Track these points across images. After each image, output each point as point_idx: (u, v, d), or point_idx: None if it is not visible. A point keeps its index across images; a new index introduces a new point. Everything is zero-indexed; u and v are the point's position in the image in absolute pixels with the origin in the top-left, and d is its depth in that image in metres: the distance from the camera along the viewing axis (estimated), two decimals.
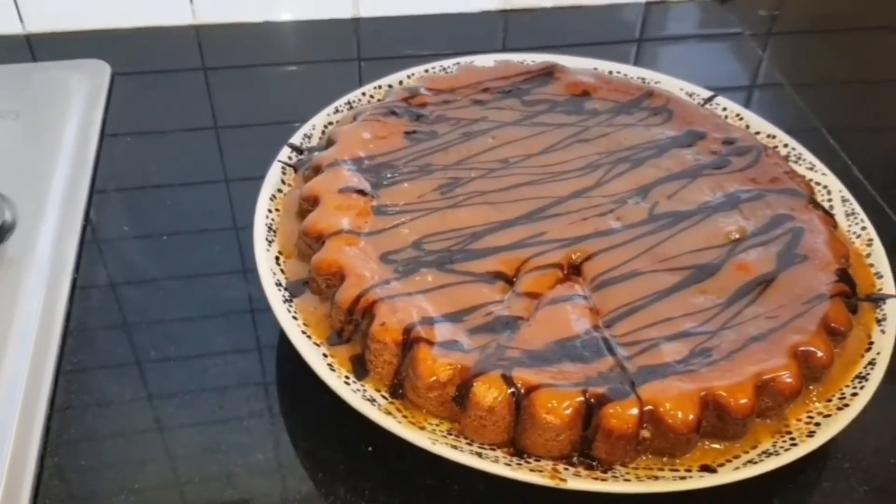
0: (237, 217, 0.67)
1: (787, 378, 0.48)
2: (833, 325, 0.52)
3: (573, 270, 0.55)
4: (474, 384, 0.47)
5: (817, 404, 0.51)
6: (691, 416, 0.46)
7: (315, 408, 0.53)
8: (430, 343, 0.48)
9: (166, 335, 0.58)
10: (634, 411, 0.46)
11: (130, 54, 0.82)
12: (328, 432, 0.52)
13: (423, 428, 0.48)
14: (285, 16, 0.87)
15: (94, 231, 0.65)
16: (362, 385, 0.49)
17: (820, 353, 0.50)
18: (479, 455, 0.46)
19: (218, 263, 0.63)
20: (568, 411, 0.46)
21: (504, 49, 0.87)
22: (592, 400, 0.46)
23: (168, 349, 0.57)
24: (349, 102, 0.68)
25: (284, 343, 0.56)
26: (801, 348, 0.50)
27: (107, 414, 0.54)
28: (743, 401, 0.47)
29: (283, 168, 0.62)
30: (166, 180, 0.70)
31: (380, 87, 0.70)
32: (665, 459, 0.47)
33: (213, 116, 0.78)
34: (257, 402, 0.54)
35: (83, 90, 0.76)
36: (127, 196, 0.69)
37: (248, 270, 0.62)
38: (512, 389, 0.46)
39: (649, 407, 0.46)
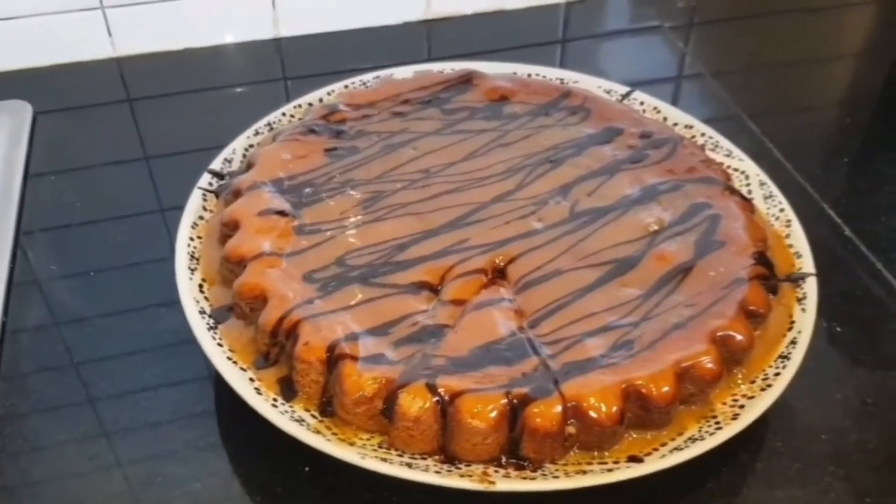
0: (174, 246, 0.67)
1: (708, 363, 0.49)
2: (752, 307, 0.53)
3: (498, 274, 0.56)
4: (399, 396, 0.47)
5: (742, 387, 0.52)
6: (614, 409, 0.47)
7: (250, 433, 0.53)
8: (355, 358, 0.49)
9: (98, 373, 0.58)
10: (558, 408, 0.46)
11: (52, 92, 0.81)
12: (264, 456, 0.52)
13: (353, 444, 0.48)
14: (206, 42, 0.87)
15: (21, 273, 0.64)
16: (291, 406, 0.49)
17: (739, 337, 0.51)
18: (409, 466, 0.47)
19: (149, 296, 0.63)
20: (493, 414, 0.46)
21: (430, 58, 0.88)
22: (516, 401, 0.47)
23: (100, 387, 0.57)
24: (269, 123, 0.68)
25: (217, 371, 0.56)
26: (720, 333, 0.50)
27: (42, 457, 0.53)
28: (664, 389, 0.48)
29: (205, 195, 0.62)
30: (93, 216, 0.70)
31: (300, 105, 0.70)
32: (595, 454, 0.48)
33: (142, 147, 0.78)
34: (192, 431, 0.54)
35: (4, 132, 0.75)
36: (53, 235, 0.68)
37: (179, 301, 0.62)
38: (436, 398, 0.47)
39: (572, 403, 0.47)
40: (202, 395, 0.56)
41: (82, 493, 0.52)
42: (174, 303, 0.61)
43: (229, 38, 0.87)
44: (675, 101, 0.84)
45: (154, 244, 0.67)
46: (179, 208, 0.62)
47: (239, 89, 0.85)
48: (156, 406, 0.55)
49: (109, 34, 0.84)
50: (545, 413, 0.46)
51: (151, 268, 0.65)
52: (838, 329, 0.61)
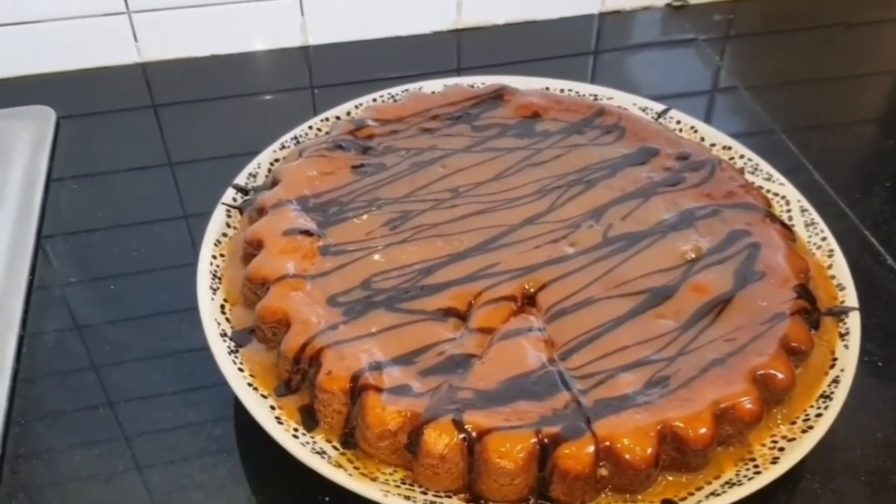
0: (197, 257, 0.65)
1: (747, 404, 0.47)
2: (793, 344, 0.50)
3: (527, 301, 0.54)
4: (425, 431, 0.45)
5: (781, 427, 0.49)
6: (649, 451, 0.45)
7: (270, 458, 0.51)
8: (379, 390, 0.47)
9: (114, 389, 0.56)
10: (590, 450, 0.44)
11: (76, 97, 0.81)
12: (284, 483, 0.51)
13: (375, 479, 0.46)
14: (233, 48, 0.86)
15: (41, 280, 0.63)
16: (312, 437, 0.48)
17: (780, 376, 0.49)
18: None
19: (169, 307, 0.61)
20: (521, 454, 0.44)
21: (460, 68, 0.86)
22: (546, 441, 0.45)
23: (117, 401, 0.56)
24: (296, 137, 0.66)
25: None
26: (761, 372, 0.48)
27: (56, 467, 0.52)
28: (702, 431, 0.46)
29: (228, 210, 0.60)
30: (115, 222, 0.69)
31: (327, 119, 0.68)
32: (627, 497, 0.46)
33: (166, 153, 0.77)
34: (210, 455, 0.53)
35: (27, 137, 0.75)
36: (74, 241, 0.67)
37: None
38: (463, 435, 0.45)
39: (605, 444, 0.45)
40: (221, 417, 0.55)
41: None
42: (194, 314, 0.59)
43: (257, 46, 0.86)
44: (709, 115, 0.82)
45: (177, 252, 0.66)
46: (203, 215, 0.60)
47: (266, 97, 0.84)
48: (174, 426, 0.54)
49: (135, 39, 0.83)
50: (576, 455, 0.44)
51: (174, 275, 0.64)
52: (880, 364, 0.59)
